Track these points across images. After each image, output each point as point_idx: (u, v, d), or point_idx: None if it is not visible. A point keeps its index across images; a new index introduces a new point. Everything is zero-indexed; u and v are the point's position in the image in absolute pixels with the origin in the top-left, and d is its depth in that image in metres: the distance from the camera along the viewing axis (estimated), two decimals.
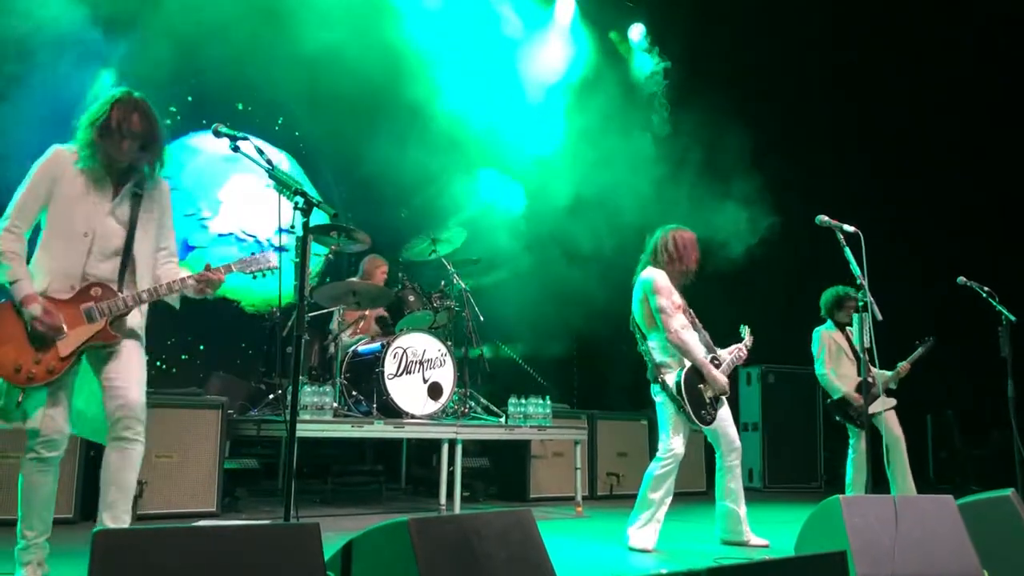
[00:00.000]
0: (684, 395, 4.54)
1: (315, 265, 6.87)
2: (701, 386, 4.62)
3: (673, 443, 4.60)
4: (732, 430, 4.77)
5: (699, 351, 4.67)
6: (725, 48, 9.12)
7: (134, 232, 3.25)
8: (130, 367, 3.20)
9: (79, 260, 3.14)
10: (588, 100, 9.11)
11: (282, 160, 8.43)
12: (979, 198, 9.29)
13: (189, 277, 3.26)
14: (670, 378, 4.61)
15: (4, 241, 3.07)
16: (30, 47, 6.20)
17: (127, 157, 3.20)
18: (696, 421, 4.57)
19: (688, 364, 4.63)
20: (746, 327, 5.02)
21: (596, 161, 8.69)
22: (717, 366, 4.69)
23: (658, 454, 4.65)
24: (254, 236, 7.96)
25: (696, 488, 7.85)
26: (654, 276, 4.69)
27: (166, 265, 3.40)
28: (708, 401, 4.63)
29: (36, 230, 3.21)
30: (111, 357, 3.19)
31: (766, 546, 4.64)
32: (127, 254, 3.23)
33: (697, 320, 4.85)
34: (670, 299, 4.66)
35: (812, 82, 9.49)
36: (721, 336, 4.99)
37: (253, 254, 3.42)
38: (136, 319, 3.29)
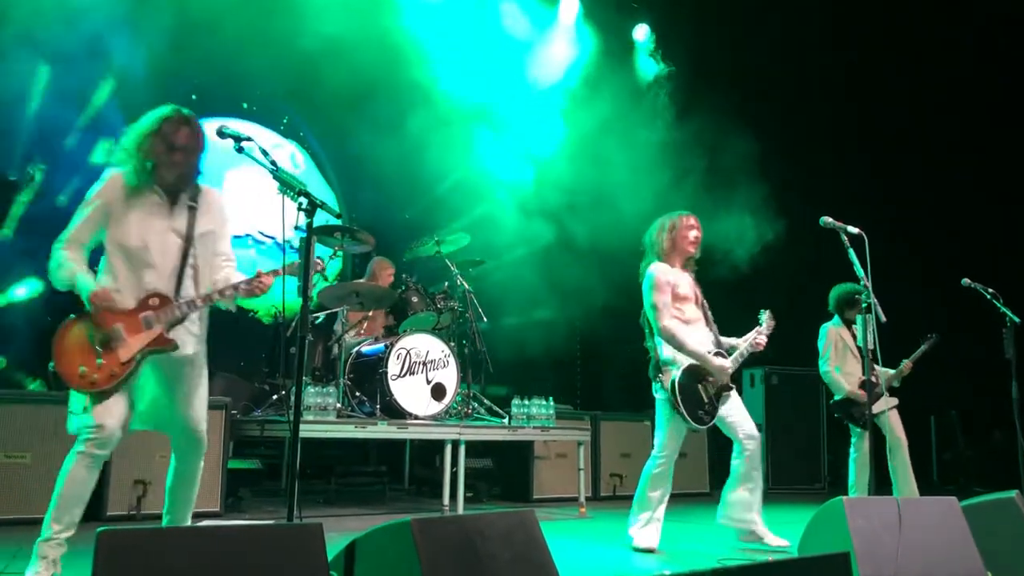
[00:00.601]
0: (678, 395, 4.42)
1: (335, 267, 6.88)
2: (700, 385, 4.50)
3: (668, 442, 4.54)
4: (745, 421, 4.60)
5: (691, 342, 4.52)
6: (727, 49, 9.12)
7: (191, 245, 3.37)
8: (201, 399, 3.44)
9: (139, 276, 3.28)
10: (591, 101, 9.12)
11: (295, 153, 8.42)
12: (979, 198, 9.28)
13: (240, 283, 3.35)
14: (667, 377, 4.51)
15: (61, 254, 3.25)
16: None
17: (177, 172, 3.30)
18: (692, 422, 4.44)
19: (689, 362, 4.51)
20: (766, 311, 4.82)
21: (598, 162, 8.70)
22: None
23: (653, 452, 4.60)
24: (272, 238, 7.92)
25: (699, 489, 7.85)
26: (652, 271, 4.61)
27: (224, 270, 3.51)
28: (707, 400, 4.50)
29: (99, 252, 3.35)
30: (187, 392, 3.38)
31: (786, 546, 4.48)
32: (183, 267, 3.35)
33: (709, 312, 4.74)
34: (666, 294, 4.55)
35: (812, 83, 9.48)
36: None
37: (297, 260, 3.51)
38: (195, 328, 3.42)
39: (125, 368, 3.18)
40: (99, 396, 3.15)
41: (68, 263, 3.23)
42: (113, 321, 3.19)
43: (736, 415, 4.63)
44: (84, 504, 3.23)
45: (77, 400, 3.20)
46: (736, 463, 4.64)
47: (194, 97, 7.62)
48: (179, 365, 3.37)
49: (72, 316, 3.23)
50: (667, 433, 4.55)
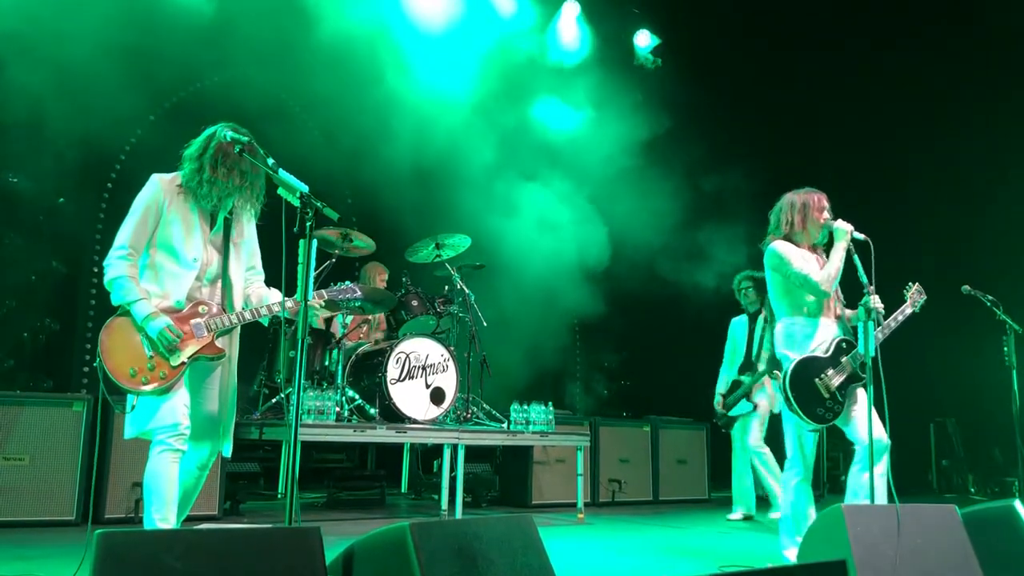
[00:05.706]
0: (790, 389, 3.94)
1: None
2: (819, 378, 3.97)
3: (796, 448, 4.08)
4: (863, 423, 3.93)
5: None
6: (728, 55, 9.14)
7: (228, 257, 3.49)
8: (224, 395, 3.51)
9: (187, 284, 3.38)
10: (591, 107, 9.14)
11: None
12: (981, 201, 9.27)
13: (288, 300, 3.39)
14: (781, 371, 4.05)
15: (122, 266, 3.31)
16: None
17: (231, 190, 3.40)
18: (808, 420, 3.94)
19: (805, 354, 4.03)
20: (914, 284, 4.35)
21: (595, 174, 8.72)
22: (847, 349, 4.04)
23: (787, 462, 4.17)
24: None
25: (698, 496, 7.83)
26: (776, 247, 4.14)
27: (253, 284, 3.63)
28: (827, 396, 3.96)
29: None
30: (212, 385, 3.47)
31: None
32: (225, 278, 3.47)
33: (840, 297, 4.22)
34: (809, 261, 4.09)
35: (814, 84, 9.48)
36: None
37: (342, 285, 3.69)
38: (235, 337, 3.54)
39: (175, 372, 3.28)
40: (162, 393, 3.23)
41: (128, 283, 3.28)
42: (179, 326, 3.28)
43: (858, 413, 4.02)
44: (178, 499, 3.27)
45: (141, 403, 3.27)
46: (852, 469, 4.07)
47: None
48: (214, 376, 3.46)
49: (118, 312, 3.29)
50: (794, 435, 4.11)
